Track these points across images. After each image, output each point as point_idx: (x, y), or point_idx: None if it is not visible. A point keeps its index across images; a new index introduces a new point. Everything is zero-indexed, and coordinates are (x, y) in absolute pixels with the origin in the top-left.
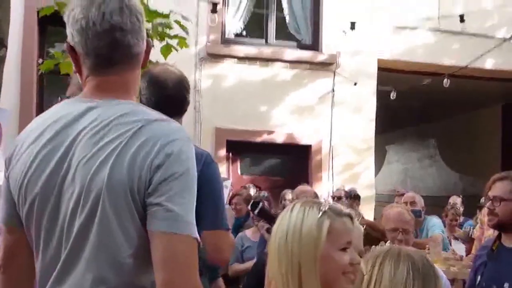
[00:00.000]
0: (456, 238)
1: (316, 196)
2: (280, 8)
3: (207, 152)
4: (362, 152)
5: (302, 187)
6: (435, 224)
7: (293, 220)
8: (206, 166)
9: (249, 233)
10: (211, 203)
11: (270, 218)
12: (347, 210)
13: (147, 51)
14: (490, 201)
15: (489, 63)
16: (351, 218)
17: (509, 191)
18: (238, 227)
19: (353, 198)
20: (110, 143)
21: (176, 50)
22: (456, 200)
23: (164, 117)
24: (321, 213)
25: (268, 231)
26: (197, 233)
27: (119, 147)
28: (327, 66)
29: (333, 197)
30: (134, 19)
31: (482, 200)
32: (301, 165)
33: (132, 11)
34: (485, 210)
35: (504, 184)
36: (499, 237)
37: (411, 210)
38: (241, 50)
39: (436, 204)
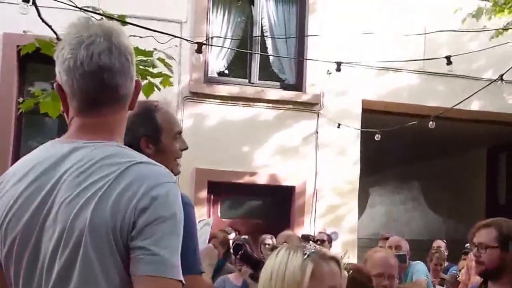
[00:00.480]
0: (441, 284)
1: (300, 241)
2: (264, 48)
3: (184, 193)
4: (346, 195)
5: (286, 233)
6: (419, 270)
7: (277, 263)
8: None
9: (232, 278)
10: (185, 247)
11: (253, 262)
12: (332, 254)
13: (136, 92)
14: (476, 248)
15: (475, 105)
16: (337, 261)
17: (493, 239)
18: (216, 270)
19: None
20: (94, 184)
21: (159, 89)
22: (440, 244)
23: (149, 160)
24: (305, 256)
25: (252, 276)
26: (182, 276)
27: (104, 188)
28: (311, 106)
29: (315, 241)
30: (123, 60)
31: (467, 245)
32: (283, 208)
33: (122, 52)
34: (471, 255)
35: (488, 231)
36: (484, 284)
37: (396, 254)
38: (224, 89)
39: (419, 248)
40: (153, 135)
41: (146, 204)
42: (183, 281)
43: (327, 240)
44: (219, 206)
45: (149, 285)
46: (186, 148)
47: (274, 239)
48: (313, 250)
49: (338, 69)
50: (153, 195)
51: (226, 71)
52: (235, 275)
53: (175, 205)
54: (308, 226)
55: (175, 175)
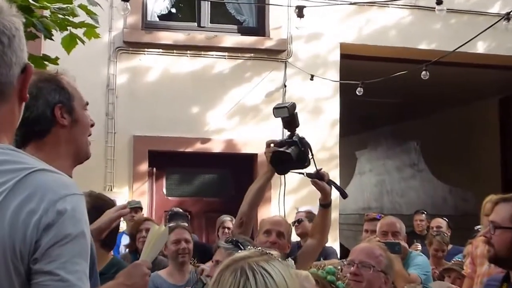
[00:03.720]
0: (443, 274)
1: (290, 229)
2: None
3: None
4: (323, 163)
5: (275, 218)
6: (418, 264)
7: None
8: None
9: (166, 274)
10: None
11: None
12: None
13: (26, 79)
14: (489, 228)
15: (480, 47)
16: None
17: (509, 218)
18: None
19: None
20: None
21: (83, 42)
22: (440, 223)
23: (50, 167)
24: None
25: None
26: None
27: None
28: (277, 54)
29: (293, 223)
30: None
31: (478, 227)
32: (243, 181)
33: None
34: (476, 241)
35: (507, 208)
36: (506, 278)
37: (386, 242)
38: (167, 36)
39: None
40: (67, 102)
41: (50, 220)
42: None
43: (305, 218)
44: (163, 182)
45: None
46: (93, 125)
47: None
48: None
49: (307, 6)
50: (59, 210)
51: (170, 14)
52: (170, 270)
53: (82, 221)
54: (276, 204)
55: (86, 158)
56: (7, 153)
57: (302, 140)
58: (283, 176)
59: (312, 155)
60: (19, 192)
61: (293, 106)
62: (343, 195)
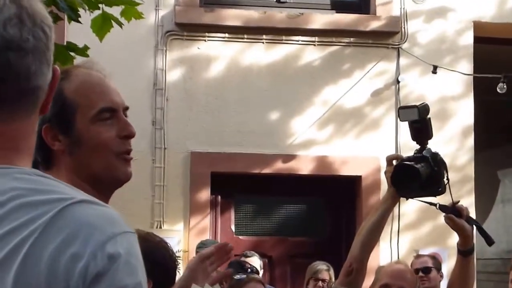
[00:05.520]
0: None
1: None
2: None
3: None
4: (453, 188)
5: (396, 267)
6: None
7: None
8: None
9: None
10: None
11: None
12: None
13: (52, 87)
14: None
15: None
16: None
17: None
18: None
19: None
20: (10, 236)
21: (120, 24)
22: None
23: (91, 197)
24: None
25: None
26: None
27: (28, 241)
28: (386, 38)
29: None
30: (39, 33)
31: None
32: (342, 214)
33: (37, 21)
34: None
35: None
36: None
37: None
38: (235, 15)
39: None
40: (61, 117)
41: (100, 268)
42: None
43: (432, 265)
44: (231, 215)
45: None
46: (132, 135)
47: (332, 271)
48: None
49: None
50: (110, 254)
51: None
52: None
53: (138, 268)
54: (387, 244)
55: (120, 180)
56: (34, 180)
57: (435, 157)
58: (397, 205)
59: (448, 179)
60: (55, 230)
61: (425, 108)
62: (488, 241)
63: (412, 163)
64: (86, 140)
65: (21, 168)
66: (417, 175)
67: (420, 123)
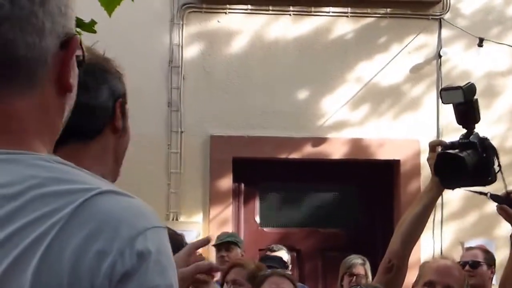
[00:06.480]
0: None
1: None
2: None
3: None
4: (504, 172)
5: (443, 263)
6: None
7: None
8: None
9: None
10: None
11: None
12: None
13: (67, 55)
14: None
15: None
16: None
17: None
18: None
19: None
20: (27, 230)
21: None
22: None
23: (117, 188)
24: None
25: None
26: None
27: (48, 237)
28: (426, 8)
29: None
30: (26, 2)
31: None
32: (379, 203)
33: None
34: None
35: None
36: None
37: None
38: None
39: None
40: (125, 101)
41: (129, 267)
42: None
43: (483, 260)
44: (256, 205)
45: None
46: None
47: (368, 265)
48: None
49: None
50: (139, 251)
51: None
52: None
53: (170, 268)
54: (430, 236)
55: (114, 180)
56: (54, 168)
57: (484, 143)
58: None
59: (500, 166)
60: (78, 224)
61: (471, 88)
62: None
63: (457, 151)
64: (128, 129)
65: (37, 154)
66: (463, 165)
67: (465, 105)
